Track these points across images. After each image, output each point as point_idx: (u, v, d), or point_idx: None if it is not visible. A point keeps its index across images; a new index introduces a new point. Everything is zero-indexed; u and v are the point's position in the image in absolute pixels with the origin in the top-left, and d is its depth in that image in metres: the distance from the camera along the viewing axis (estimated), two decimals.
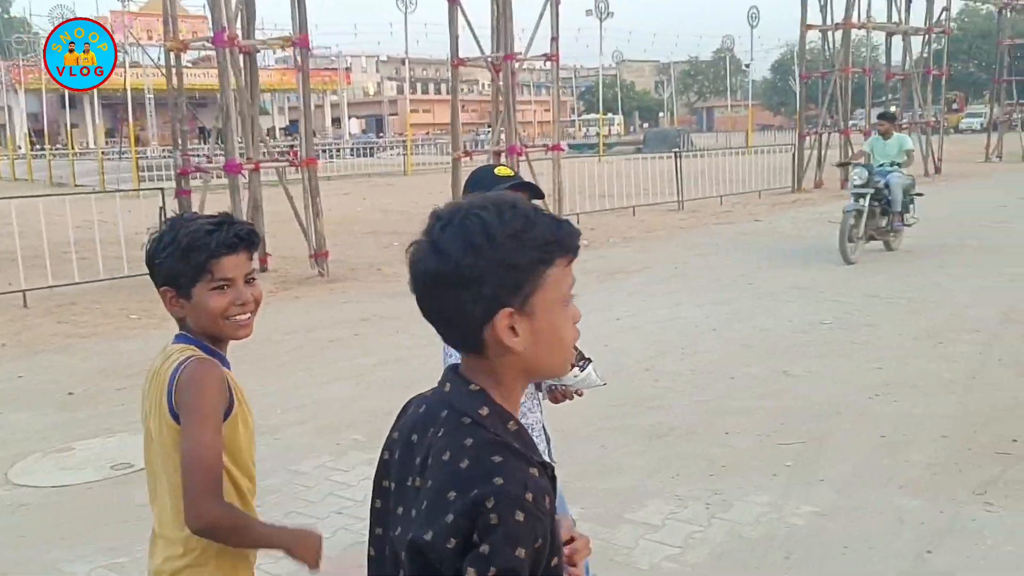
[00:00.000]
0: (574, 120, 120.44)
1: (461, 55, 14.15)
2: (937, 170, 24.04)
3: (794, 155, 21.19)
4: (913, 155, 11.46)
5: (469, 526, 1.11)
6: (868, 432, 4.85)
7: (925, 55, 24.71)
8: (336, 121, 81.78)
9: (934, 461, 4.41)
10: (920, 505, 3.92)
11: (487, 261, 1.16)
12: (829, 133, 21.91)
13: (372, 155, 65.21)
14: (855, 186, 10.53)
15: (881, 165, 10.82)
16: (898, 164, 10.82)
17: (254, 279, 1.91)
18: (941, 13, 24.15)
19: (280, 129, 79.72)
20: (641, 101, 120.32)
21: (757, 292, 8.90)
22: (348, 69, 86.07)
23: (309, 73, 9.99)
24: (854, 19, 21.31)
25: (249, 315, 1.90)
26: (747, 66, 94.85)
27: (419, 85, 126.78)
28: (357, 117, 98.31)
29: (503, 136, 14.05)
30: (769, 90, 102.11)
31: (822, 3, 21.11)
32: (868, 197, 10.31)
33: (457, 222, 1.18)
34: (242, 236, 1.86)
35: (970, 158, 30.27)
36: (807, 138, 21.72)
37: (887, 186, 10.60)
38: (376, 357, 6.89)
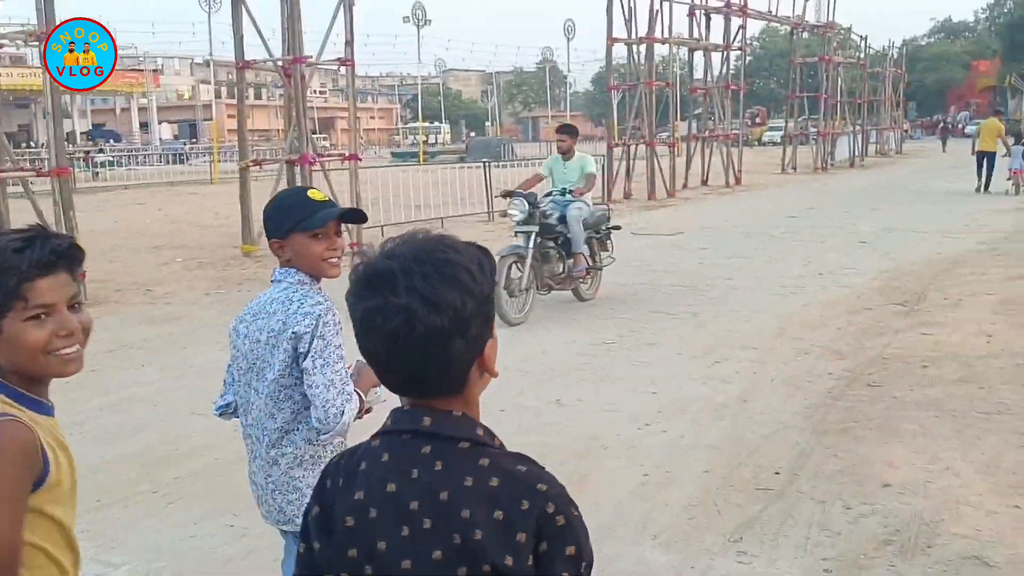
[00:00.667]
0: (399, 128, 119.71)
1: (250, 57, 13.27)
2: (737, 180, 25.10)
3: (603, 167, 21.43)
4: (594, 180, 9.21)
5: (537, 538, 1.16)
6: (631, 470, 4.52)
7: (728, 71, 25.79)
8: (144, 126, 77.27)
9: (692, 503, 4.10)
10: (670, 561, 3.57)
11: (476, 301, 1.19)
12: (636, 144, 22.35)
13: (183, 162, 61.93)
14: (516, 223, 8.09)
15: (562, 192, 8.61)
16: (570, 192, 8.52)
17: (79, 303, 1.62)
18: (738, 32, 25.24)
19: (81, 133, 74.54)
20: (468, 110, 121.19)
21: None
22: (157, 71, 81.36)
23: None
24: (657, 34, 21.90)
25: (77, 347, 1.59)
26: (566, 77, 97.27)
27: (225, 90, 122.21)
28: (169, 122, 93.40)
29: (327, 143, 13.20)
30: (591, 102, 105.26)
31: (627, 17, 21.51)
32: (534, 235, 7.95)
33: (437, 271, 1.17)
34: (61, 252, 1.56)
35: (769, 169, 31.97)
36: (615, 149, 22.09)
37: (563, 220, 8.37)
38: (110, 397, 6.01)
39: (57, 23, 8.23)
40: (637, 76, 21.93)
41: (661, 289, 9.36)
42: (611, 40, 21.44)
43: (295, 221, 2.25)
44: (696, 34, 24.10)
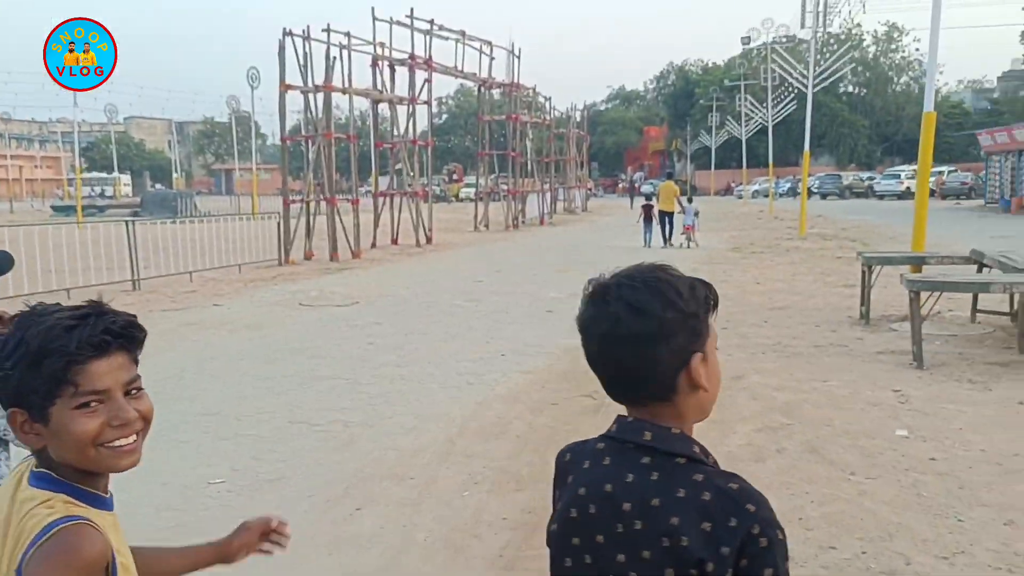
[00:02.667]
0: (71, 179, 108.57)
1: None
2: (428, 239, 23.99)
3: (279, 224, 19.27)
4: None
5: (739, 554, 1.24)
6: None
7: (414, 126, 24.74)
8: None
9: None
10: None
11: (680, 315, 1.32)
12: (317, 200, 20.46)
13: None
14: None
15: None
16: None
17: (139, 388, 1.43)
18: (423, 86, 24.35)
19: None
20: (153, 160, 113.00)
21: None
22: None
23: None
24: (337, 83, 20.29)
25: (134, 438, 1.41)
26: (260, 127, 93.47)
27: None
28: None
29: None
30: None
31: (302, 63, 19.71)
32: None
33: (646, 285, 1.34)
34: (116, 331, 1.38)
35: (463, 226, 31.48)
36: (297, 205, 20.04)
37: None
38: None
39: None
40: (315, 127, 20.13)
41: (311, 387, 7.44)
42: (284, 87, 19.47)
43: None
44: (380, 85, 22.85)
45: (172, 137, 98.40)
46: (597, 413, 6.39)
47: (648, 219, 22.71)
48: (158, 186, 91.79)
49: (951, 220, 31.75)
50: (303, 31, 19.64)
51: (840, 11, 26.39)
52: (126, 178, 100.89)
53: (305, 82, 19.82)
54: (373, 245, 22.92)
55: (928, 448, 5.22)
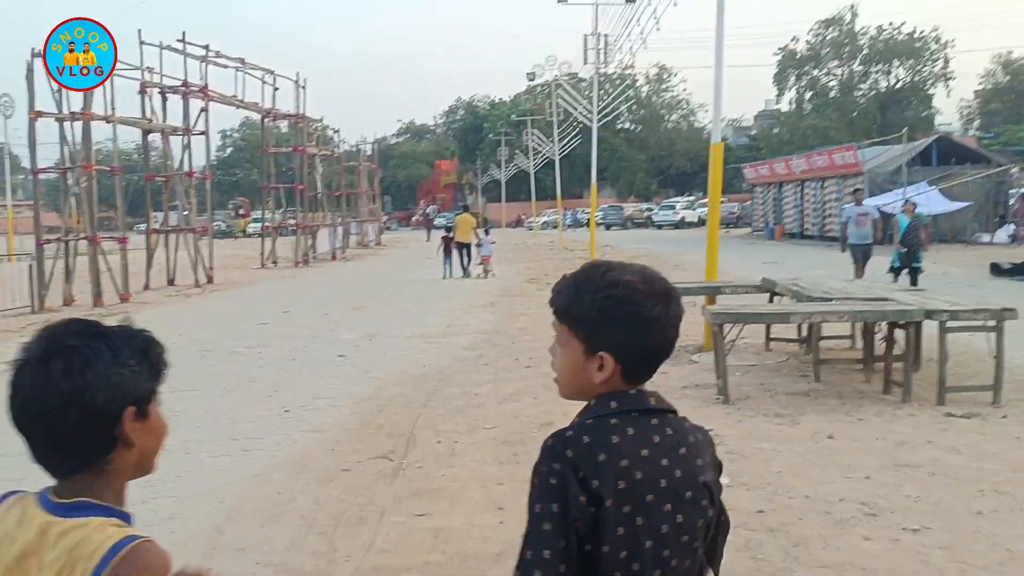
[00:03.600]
0: None
1: None
2: (209, 279, 22.23)
3: (31, 266, 17.05)
4: None
5: (718, 472, 1.60)
6: None
7: (190, 158, 22.95)
8: None
9: None
10: None
11: None
12: (76, 239, 18.33)
13: None
14: None
15: None
16: None
17: None
18: (199, 115, 22.69)
19: None
20: None
21: None
22: None
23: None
24: (100, 110, 18.35)
25: None
26: (12, 157, 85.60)
27: None
28: None
29: None
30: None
31: (55, 90, 17.64)
32: None
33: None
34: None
35: (250, 263, 29.68)
36: (48, 246, 17.84)
37: None
38: None
39: None
40: (73, 159, 18.07)
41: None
42: (34, 114, 17.33)
43: None
44: (150, 114, 21.00)
45: None
46: (395, 478, 5.63)
47: (448, 251, 22.82)
48: None
49: (725, 247, 33.61)
50: None
51: (620, 49, 27.34)
52: None
53: (60, 109, 17.75)
54: (146, 287, 20.92)
55: (754, 498, 4.85)
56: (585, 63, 27.89)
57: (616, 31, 28.42)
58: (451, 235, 23.14)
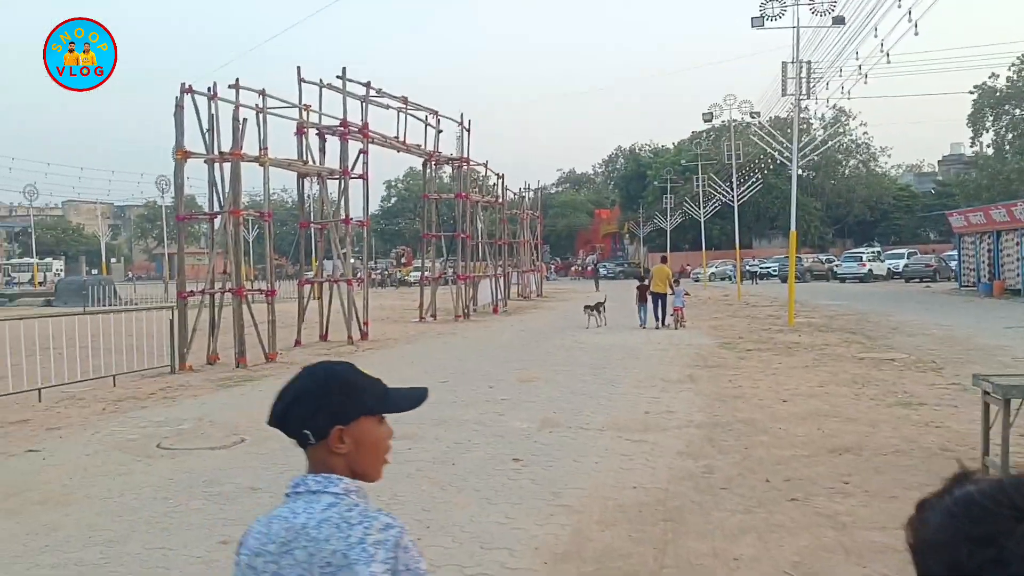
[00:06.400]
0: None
1: None
2: (363, 335, 20.31)
3: (171, 321, 15.49)
4: None
5: None
6: None
7: (346, 202, 21.30)
8: None
9: None
10: None
11: None
12: (222, 292, 16.77)
13: None
14: None
15: None
16: None
17: None
18: (358, 157, 21.03)
19: None
20: (91, 245, 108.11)
21: None
22: None
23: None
24: (252, 151, 16.85)
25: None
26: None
27: None
28: None
29: None
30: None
31: (206, 127, 16.28)
32: None
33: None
34: None
35: (409, 315, 27.91)
36: (196, 296, 16.36)
37: None
38: None
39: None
40: (221, 203, 16.59)
41: None
42: (182, 154, 15.95)
43: (372, 401, 1.75)
44: (305, 155, 19.46)
45: (99, 221, 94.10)
46: None
47: (643, 300, 22.93)
48: (94, 272, 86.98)
49: (937, 305, 29.13)
50: (208, 88, 16.28)
51: (823, 79, 23.88)
52: (59, 264, 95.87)
53: (210, 149, 16.35)
54: (297, 343, 19.21)
55: None
56: (784, 94, 24.56)
57: (820, 57, 25.15)
58: (647, 284, 23.05)
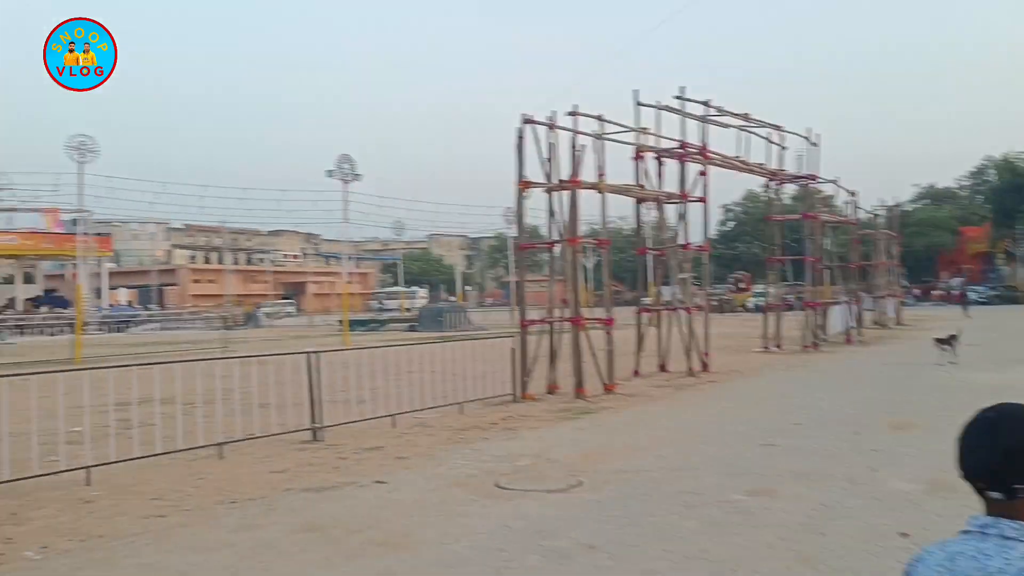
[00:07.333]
0: (375, 293, 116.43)
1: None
2: (704, 366, 19.24)
3: (513, 350, 15.61)
4: None
5: None
6: None
7: (685, 226, 20.45)
8: (99, 291, 72.57)
9: None
10: None
11: None
12: (561, 321, 16.65)
13: (123, 330, 56.30)
14: None
15: None
16: None
17: None
18: (696, 180, 20.10)
19: (26, 300, 69.56)
20: (449, 275, 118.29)
21: None
22: (105, 235, 77.50)
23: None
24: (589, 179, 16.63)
25: None
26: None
27: (201, 255, 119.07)
28: (127, 287, 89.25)
29: None
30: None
31: (546, 156, 16.35)
32: None
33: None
34: None
35: (751, 344, 26.32)
36: (532, 325, 16.42)
37: None
38: None
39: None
40: (560, 231, 16.50)
41: None
42: (522, 185, 16.13)
43: None
44: (642, 180, 18.93)
45: (455, 252, 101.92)
46: None
47: None
48: (451, 299, 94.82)
49: None
50: (548, 117, 16.34)
51: None
52: (423, 292, 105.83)
53: (549, 178, 16.38)
54: (635, 373, 18.65)
55: None
56: None
57: None
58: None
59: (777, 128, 24.49)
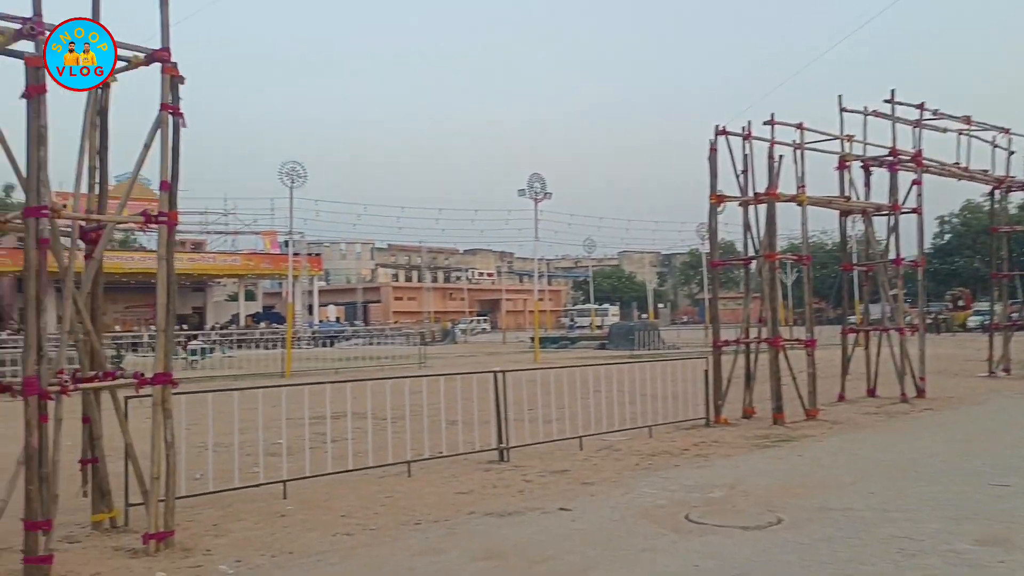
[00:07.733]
0: (566, 310, 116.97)
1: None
2: (919, 392, 17.62)
3: (707, 371, 14.92)
4: None
5: None
6: None
7: (896, 240, 18.89)
8: (311, 308, 77.69)
9: None
10: None
11: None
12: (758, 341, 15.75)
13: (331, 344, 59.83)
14: None
15: None
16: None
17: None
18: (910, 189, 18.54)
19: (248, 315, 75.54)
20: (641, 292, 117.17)
21: None
22: (316, 255, 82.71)
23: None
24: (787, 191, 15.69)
25: None
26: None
27: (403, 273, 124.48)
28: (336, 304, 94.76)
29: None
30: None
31: (741, 168, 15.60)
32: None
33: None
34: None
35: (971, 367, 24.04)
36: (726, 346, 15.64)
37: None
38: None
39: None
40: (756, 246, 15.65)
41: None
42: (716, 198, 15.44)
43: None
44: (847, 191, 17.66)
45: (646, 268, 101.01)
46: None
47: None
48: (643, 316, 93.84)
49: None
50: (743, 128, 15.58)
51: None
52: (614, 309, 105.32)
53: (744, 191, 15.60)
54: (840, 398, 17.37)
55: None
56: None
57: None
58: None
59: (1005, 131, 22.20)
